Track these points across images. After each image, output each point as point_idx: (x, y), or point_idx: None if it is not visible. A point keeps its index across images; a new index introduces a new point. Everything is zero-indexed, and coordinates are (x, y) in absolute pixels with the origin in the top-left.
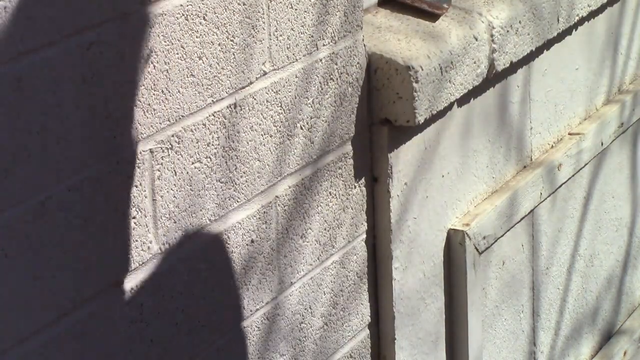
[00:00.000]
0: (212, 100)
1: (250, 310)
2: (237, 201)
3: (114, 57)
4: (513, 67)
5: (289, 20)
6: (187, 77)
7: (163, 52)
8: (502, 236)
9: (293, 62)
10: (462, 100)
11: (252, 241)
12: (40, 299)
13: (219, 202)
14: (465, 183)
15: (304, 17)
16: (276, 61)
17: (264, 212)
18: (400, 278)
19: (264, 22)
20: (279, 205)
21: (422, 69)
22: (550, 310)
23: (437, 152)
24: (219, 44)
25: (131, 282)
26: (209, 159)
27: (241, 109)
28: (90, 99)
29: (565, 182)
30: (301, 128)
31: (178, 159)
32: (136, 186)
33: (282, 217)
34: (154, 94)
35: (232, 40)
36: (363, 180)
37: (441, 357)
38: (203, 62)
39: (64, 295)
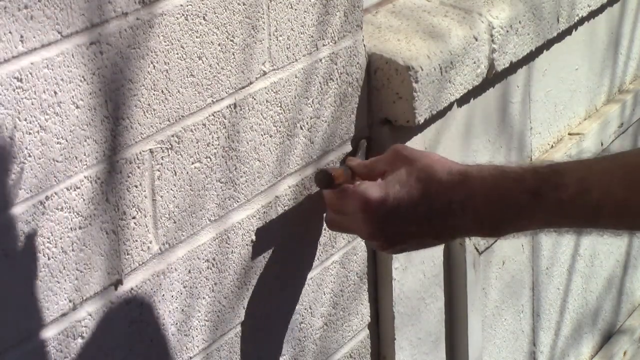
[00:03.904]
0: (212, 100)
1: (250, 310)
2: (237, 201)
3: (113, 57)
4: (513, 67)
5: (289, 20)
6: (187, 77)
7: (163, 52)
8: None
9: (293, 62)
10: (462, 101)
11: (252, 241)
12: (40, 299)
13: (219, 202)
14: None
15: (304, 17)
16: (276, 61)
17: (264, 212)
18: (400, 278)
19: (264, 22)
20: (279, 205)
21: (422, 69)
22: (550, 310)
23: (438, 152)
24: (219, 44)
25: (131, 282)
26: (209, 159)
27: (241, 109)
28: (90, 99)
29: None
30: (301, 128)
31: (178, 159)
32: (136, 186)
33: (282, 217)
34: (154, 94)
35: (232, 40)
36: None
37: (441, 357)
38: (203, 62)
39: (64, 295)
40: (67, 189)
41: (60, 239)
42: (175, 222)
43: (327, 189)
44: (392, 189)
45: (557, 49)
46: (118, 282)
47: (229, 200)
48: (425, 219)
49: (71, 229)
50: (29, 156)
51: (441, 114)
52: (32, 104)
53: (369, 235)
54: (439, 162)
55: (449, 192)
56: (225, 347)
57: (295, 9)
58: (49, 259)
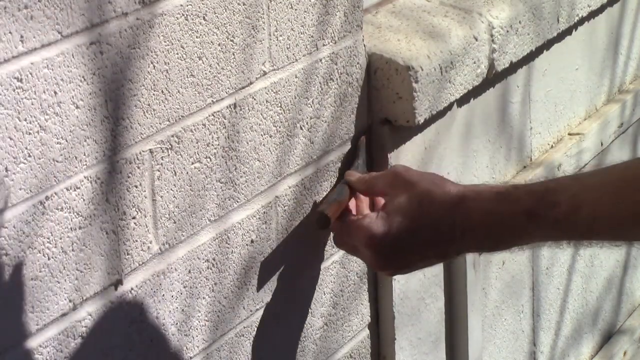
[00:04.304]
0: (212, 100)
1: (250, 310)
2: (237, 201)
3: (113, 57)
4: (513, 67)
5: (289, 20)
6: (187, 77)
7: (163, 52)
8: None
9: (293, 62)
10: (462, 101)
11: (252, 241)
12: (40, 299)
13: (219, 202)
14: (465, 183)
15: (304, 17)
16: (276, 61)
17: (264, 212)
18: (400, 278)
19: (264, 22)
20: (279, 205)
21: (422, 69)
22: (550, 310)
23: (437, 152)
24: (219, 44)
25: (131, 282)
26: (209, 159)
27: (241, 109)
28: (90, 99)
29: None
30: (301, 128)
31: (178, 159)
32: (136, 186)
33: (282, 217)
34: (154, 94)
35: (232, 40)
36: None
37: (441, 357)
38: (203, 62)
39: (64, 295)
40: (67, 189)
41: (60, 239)
42: (175, 222)
43: (327, 227)
44: (395, 221)
45: (557, 49)
46: (118, 282)
47: (229, 200)
48: (429, 244)
49: (71, 229)
50: (29, 156)
51: (441, 114)
52: (32, 104)
53: (377, 266)
54: (438, 185)
55: (449, 215)
56: (225, 347)
57: (295, 9)
58: (49, 259)
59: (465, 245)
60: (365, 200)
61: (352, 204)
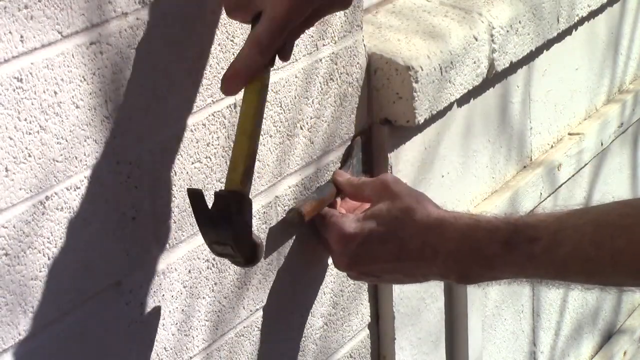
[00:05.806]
0: (212, 100)
1: (250, 310)
2: None
3: (113, 57)
4: (513, 67)
5: None
6: (187, 77)
7: (163, 52)
8: None
9: (293, 62)
10: (462, 100)
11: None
12: (40, 299)
13: None
14: (465, 183)
15: None
16: (276, 61)
17: (264, 212)
18: None
19: None
20: (279, 205)
21: (422, 69)
22: (550, 310)
23: (437, 152)
24: (219, 44)
25: (131, 282)
26: (208, 159)
27: None
28: (90, 99)
29: (565, 182)
30: (301, 128)
31: (178, 159)
32: (136, 186)
33: (282, 217)
34: (153, 94)
35: (232, 41)
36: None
37: (441, 357)
38: (203, 62)
39: (64, 295)
40: (67, 189)
41: (60, 239)
42: (175, 222)
43: (301, 224)
44: (367, 224)
45: (557, 49)
46: (118, 283)
47: None
48: (395, 258)
49: (71, 229)
50: (29, 156)
51: (441, 114)
52: (32, 104)
53: (339, 263)
54: (421, 205)
55: (423, 235)
56: (225, 347)
57: None
58: (49, 259)
59: (435, 268)
60: (351, 202)
61: (338, 203)
